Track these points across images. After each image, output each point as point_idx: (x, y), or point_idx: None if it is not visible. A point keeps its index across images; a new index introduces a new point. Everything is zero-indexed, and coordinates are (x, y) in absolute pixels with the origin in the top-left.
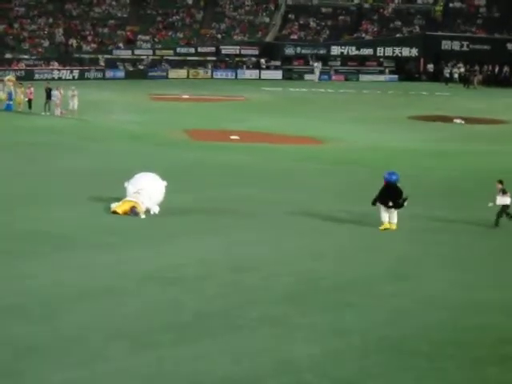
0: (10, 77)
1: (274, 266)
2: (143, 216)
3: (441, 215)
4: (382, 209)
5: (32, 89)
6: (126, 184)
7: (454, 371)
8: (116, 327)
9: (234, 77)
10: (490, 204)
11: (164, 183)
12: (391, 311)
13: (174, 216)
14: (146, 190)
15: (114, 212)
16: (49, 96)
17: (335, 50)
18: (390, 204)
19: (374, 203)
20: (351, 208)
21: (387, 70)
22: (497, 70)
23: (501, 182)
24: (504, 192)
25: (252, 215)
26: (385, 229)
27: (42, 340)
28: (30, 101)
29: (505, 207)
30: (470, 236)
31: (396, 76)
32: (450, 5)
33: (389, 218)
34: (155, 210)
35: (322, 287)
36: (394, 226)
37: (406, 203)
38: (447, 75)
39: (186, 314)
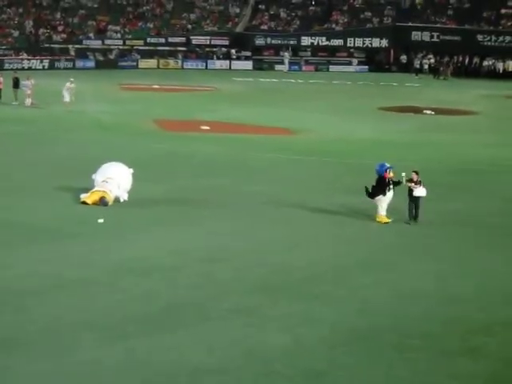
0: None
1: (247, 257)
2: (110, 203)
3: None
4: None
5: (1, 79)
6: (93, 176)
7: (424, 363)
8: (88, 318)
9: (204, 67)
10: (403, 174)
11: (130, 170)
12: (363, 302)
13: (146, 206)
14: (114, 179)
15: (84, 202)
16: (16, 85)
17: (305, 41)
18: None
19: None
20: (325, 199)
21: (357, 61)
22: (467, 61)
23: (417, 172)
24: (420, 183)
25: (224, 206)
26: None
27: (13, 331)
28: None
29: (418, 199)
30: (444, 227)
31: (366, 67)
32: None
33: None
34: (124, 197)
35: (295, 278)
36: (377, 217)
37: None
38: (417, 66)
39: (158, 304)
